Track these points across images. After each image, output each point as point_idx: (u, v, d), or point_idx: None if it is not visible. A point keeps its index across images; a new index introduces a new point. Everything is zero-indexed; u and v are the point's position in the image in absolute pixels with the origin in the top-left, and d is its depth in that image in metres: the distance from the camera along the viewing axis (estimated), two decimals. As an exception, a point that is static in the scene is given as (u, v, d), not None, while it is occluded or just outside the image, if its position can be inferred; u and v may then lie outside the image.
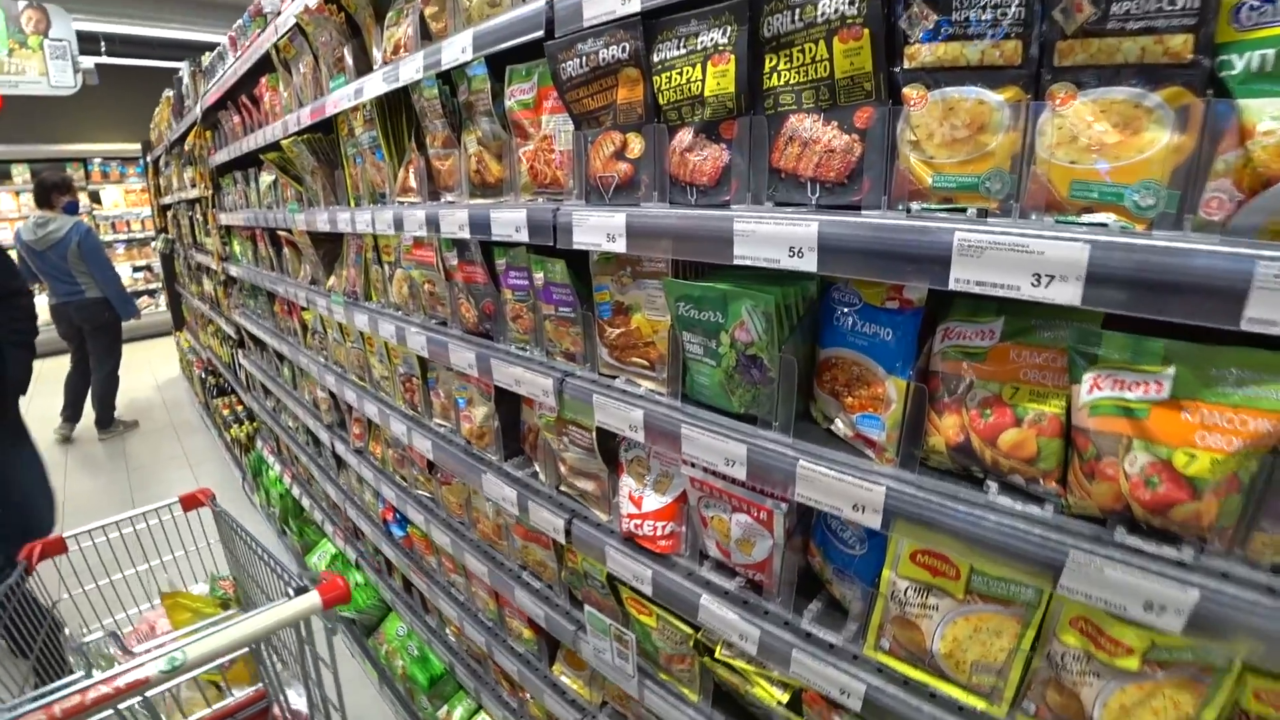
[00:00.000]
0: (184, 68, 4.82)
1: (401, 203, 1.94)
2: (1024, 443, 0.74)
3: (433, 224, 1.65)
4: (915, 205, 0.78)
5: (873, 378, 0.90)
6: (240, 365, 4.54)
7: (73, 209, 5.19)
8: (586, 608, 1.50)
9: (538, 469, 1.65)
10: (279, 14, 2.62)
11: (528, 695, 2.02)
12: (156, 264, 8.84)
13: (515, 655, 1.96)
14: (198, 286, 5.71)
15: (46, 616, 1.88)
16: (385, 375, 2.35)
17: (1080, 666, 0.74)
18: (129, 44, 8.01)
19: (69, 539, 2.04)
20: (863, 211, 0.82)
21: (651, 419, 1.13)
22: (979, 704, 0.85)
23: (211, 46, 4.58)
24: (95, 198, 8.92)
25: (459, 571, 2.19)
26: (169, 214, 6.39)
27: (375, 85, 1.84)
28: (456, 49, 1.45)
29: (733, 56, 0.88)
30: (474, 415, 1.82)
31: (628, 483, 1.33)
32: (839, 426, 0.97)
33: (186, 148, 4.77)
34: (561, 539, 1.47)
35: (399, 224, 1.83)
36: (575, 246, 1.19)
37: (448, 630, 2.45)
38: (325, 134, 2.51)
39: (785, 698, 1.08)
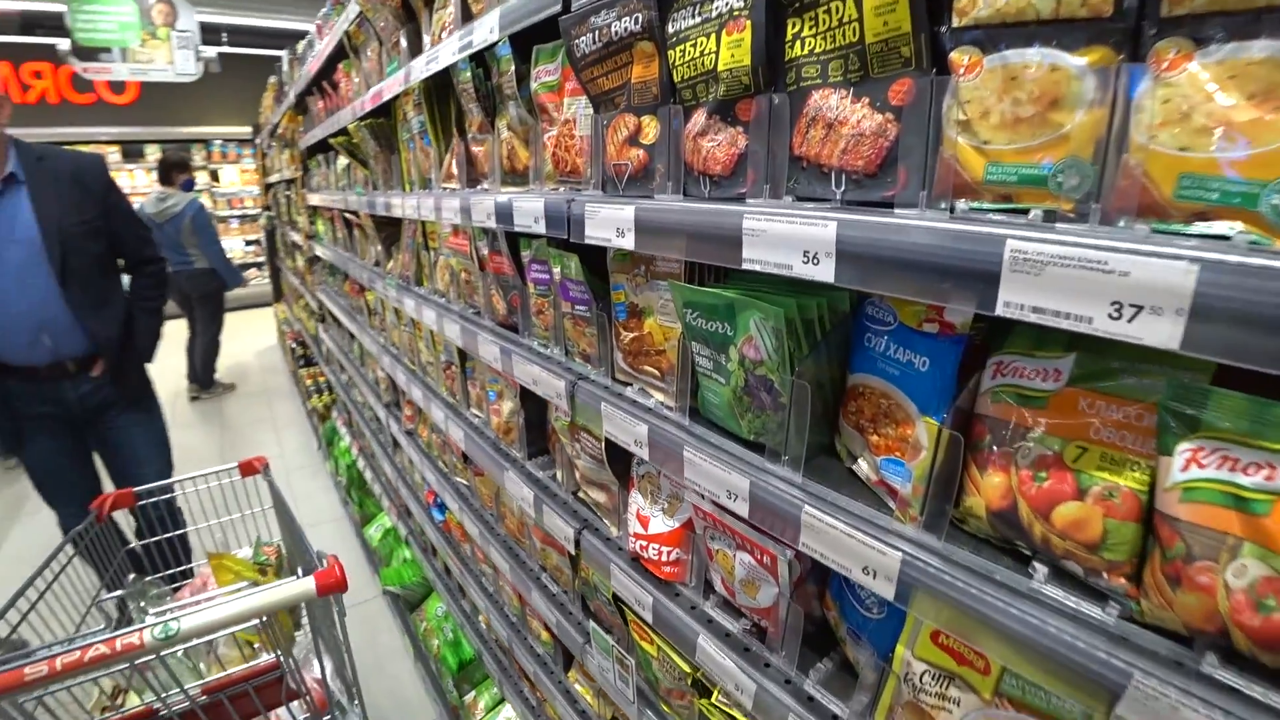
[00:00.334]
0: (284, 55, 5.10)
1: (444, 189, 1.91)
2: (1086, 521, 0.57)
3: (466, 212, 1.60)
4: (962, 204, 0.62)
5: (902, 415, 0.74)
6: (321, 339, 4.80)
7: (189, 186, 5.67)
8: (592, 623, 1.42)
9: (557, 472, 1.58)
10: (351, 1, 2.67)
11: (544, 696, 1.97)
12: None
13: (533, 655, 1.91)
14: (292, 262, 6.09)
15: (113, 561, 2.03)
16: (430, 361, 2.36)
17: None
18: (247, 34, 8.66)
19: (139, 493, 2.21)
20: (896, 210, 0.66)
21: (656, 435, 1.02)
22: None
23: (317, 36, 4.81)
24: (215, 176, 9.77)
25: (488, 563, 2.18)
26: (271, 193, 6.86)
27: (419, 69, 1.81)
28: (485, 29, 1.38)
29: (749, 23, 0.74)
30: (502, 409, 1.77)
31: (637, 499, 1.22)
32: (862, 468, 0.81)
33: (280, 130, 5.06)
34: (571, 549, 1.39)
35: (438, 210, 1.80)
36: (587, 241, 1.09)
37: (480, 618, 2.45)
38: (386, 118, 2.54)
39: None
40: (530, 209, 1.26)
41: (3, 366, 2.27)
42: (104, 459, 2.63)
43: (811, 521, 0.76)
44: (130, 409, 2.59)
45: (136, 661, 1.22)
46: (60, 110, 8.65)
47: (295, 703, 1.55)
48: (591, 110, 1.11)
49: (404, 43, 2.10)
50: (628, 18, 0.91)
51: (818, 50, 0.70)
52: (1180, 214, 0.51)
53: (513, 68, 1.36)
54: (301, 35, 4.54)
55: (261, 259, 10.07)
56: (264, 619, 1.35)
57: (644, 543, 1.17)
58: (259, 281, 9.59)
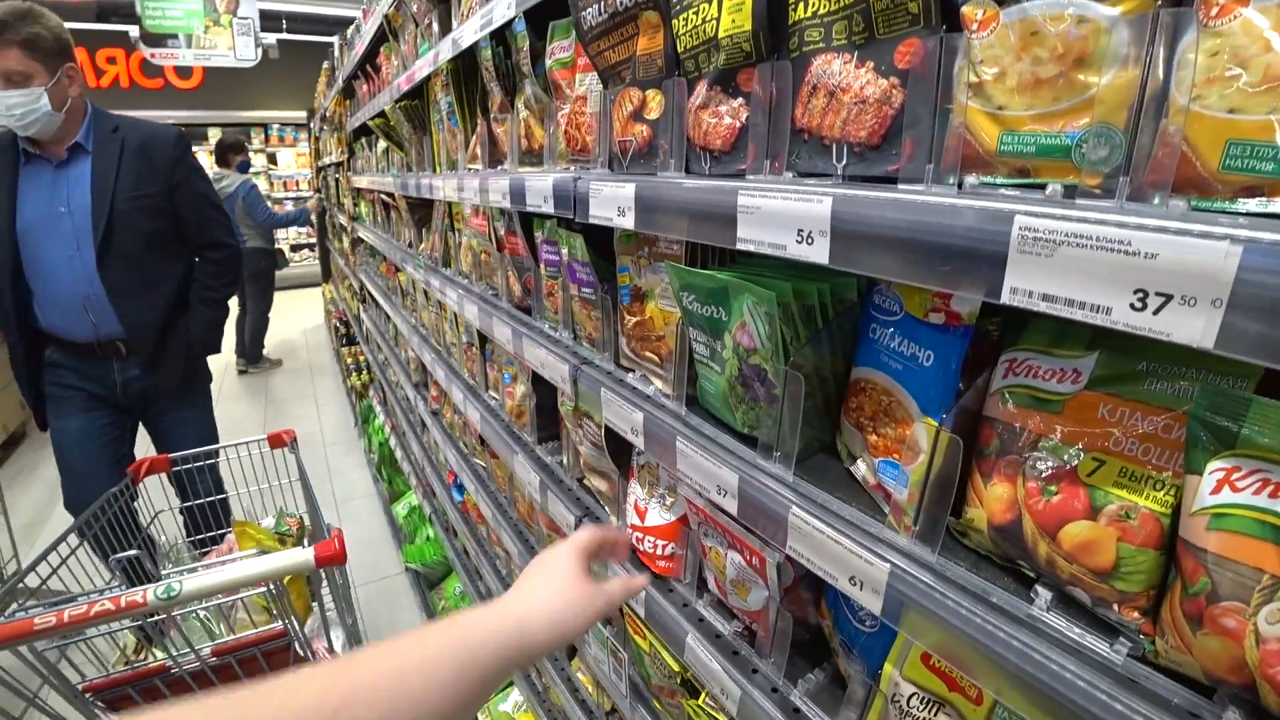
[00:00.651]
0: (335, 41, 5.22)
1: (468, 170, 1.90)
2: (1098, 545, 0.49)
3: (484, 192, 1.58)
4: (972, 179, 0.55)
5: (903, 414, 0.67)
6: (361, 319, 4.92)
7: (245, 168, 5.89)
8: (591, 615, 1.39)
9: (564, 457, 1.55)
10: (390, -17, 2.69)
11: (548, 683, 1.97)
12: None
13: (540, 641, 1.90)
14: (339, 243, 6.27)
15: (143, 529, 2.11)
16: (454, 342, 2.37)
17: None
18: (304, 21, 8.93)
19: (174, 458, 2.29)
20: (899, 186, 0.59)
21: (651, 425, 0.98)
22: None
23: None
24: (272, 159, 10.15)
25: (500, 547, 2.18)
26: (321, 176, 7.07)
27: (447, 49, 1.80)
28: (504, 6, 1.35)
29: (751, -19, 0.68)
30: (515, 392, 1.75)
31: (636, 490, 1.19)
32: (860, 469, 0.75)
33: (329, 114, 5.19)
34: (571, 538, 1.37)
35: (461, 191, 1.79)
36: (591, 220, 1.05)
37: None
38: (420, 100, 2.55)
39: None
40: (540, 188, 1.23)
41: (53, 337, 2.24)
42: (154, 444, 2.56)
43: (798, 524, 0.71)
44: (177, 403, 2.47)
45: (147, 620, 1.26)
46: (131, 94, 9.12)
47: (303, 670, 1.58)
48: (601, 86, 1.07)
49: (435, 24, 2.09)
50: (632, -17, 0.86)
51: (821, 11, 0.63)
52: (1227, 189, 0.43)
53: (528, 44, 1.32)
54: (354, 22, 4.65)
55: (313, 240, 10.43)
56: (272, 587, 1.38)
57: (640, 534, 1.13)
58: (310, 262, 9.93)
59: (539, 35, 1.30)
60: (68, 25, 2.14)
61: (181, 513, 2.29)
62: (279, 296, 6.48)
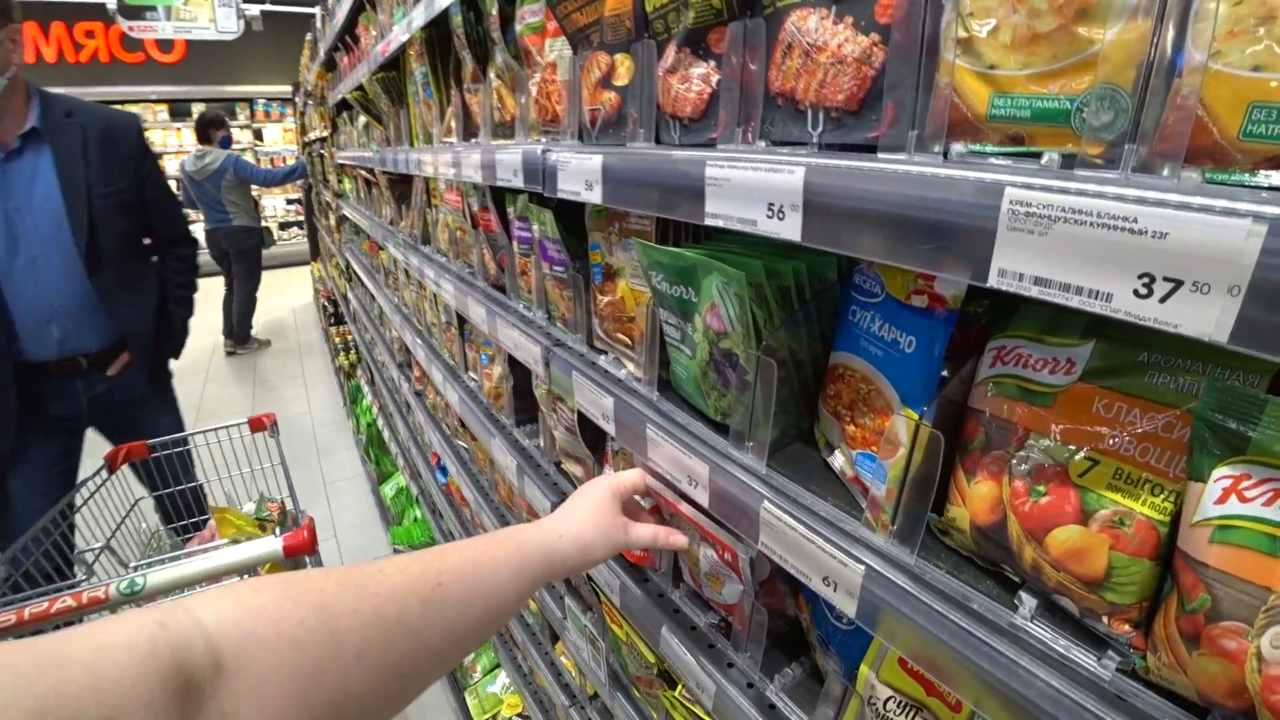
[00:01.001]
0: (317, 12, 5.04)
1: (444, 143, 1.82)
2: (1088, 552, 0.45)
3: (456, 166, 1.51)
4: (959, 147, 0.49)
5: (882, 403, 0.63)
6: (349, 297, 4.83)
7: (226, 143, 5.74)
8: (568, 601, 1.36)
9: (541, 440, 1.51)
10: (365, -55, 2.56)
11: (533, 666, 1.96)
12: (306, 198, 9.73)
13: (523, 625, 1.89)
14: (325, 221, 6.15)
15: (126, 511, 2.06)
16: (434, 322, 2.31)
17: None
18: (288, -10, 8.62)
19: (153, 445, 2.24)
20: (879, 154, 0.54)
21: (621, 410, 0.93)
22: None
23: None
24: (258, 135, 9.90)
25: (483, 530, 2.15)
26: (306, 151, 6.90)
27: (420, 16, 1.71)
28: (472, -38, 1.26)
29: (721, -76, 0.61)
30: (493, 374, 1.70)
31: (611, 478, 1.14)
32: (837, 461, 0.71)
33: (311, 88, 5.04)
34: (548, 525, 1.33)
35: (436, 166, 1.71)
36: (560, 195, 0.99)
37: (478, 583, 2.45)
38: (397, 72, 2.45)
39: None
40: (510, 162, 1.16)
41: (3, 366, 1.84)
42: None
43: (769, 519, 0.67)
44: (153, 411, 2.27)
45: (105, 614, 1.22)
46: (111, 69, 8.85)
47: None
48: (570, 52, 0.99)
49: (409, -13, 1.99)
50: (597, -67, 0.78)
51: (797, -43, 0.57)
52: (1247, 159, 0.38)
53: (497, 8, 1.24)
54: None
55: (301, 218, 10.25)
56: (244, 577, 1.35)
57: (615, 525, 1.09)
58: (299, 240, 9.77)
59: (509, -1, 1.23)
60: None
61: (160, 501, 2.22)
62: (267, 275, 6.37)
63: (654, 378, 0.91)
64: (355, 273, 4.48)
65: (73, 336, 1.95)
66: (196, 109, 9.40)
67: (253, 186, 5.94)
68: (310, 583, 0.52)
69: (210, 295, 6.46)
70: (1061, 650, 0.48)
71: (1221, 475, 0.38)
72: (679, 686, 1.02)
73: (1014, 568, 0.52)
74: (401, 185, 2.77)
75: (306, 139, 7.08)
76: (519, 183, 1.14)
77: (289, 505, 2.26)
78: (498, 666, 2.37)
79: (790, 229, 0.57)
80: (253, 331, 6.21)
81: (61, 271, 1.87)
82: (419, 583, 0.57)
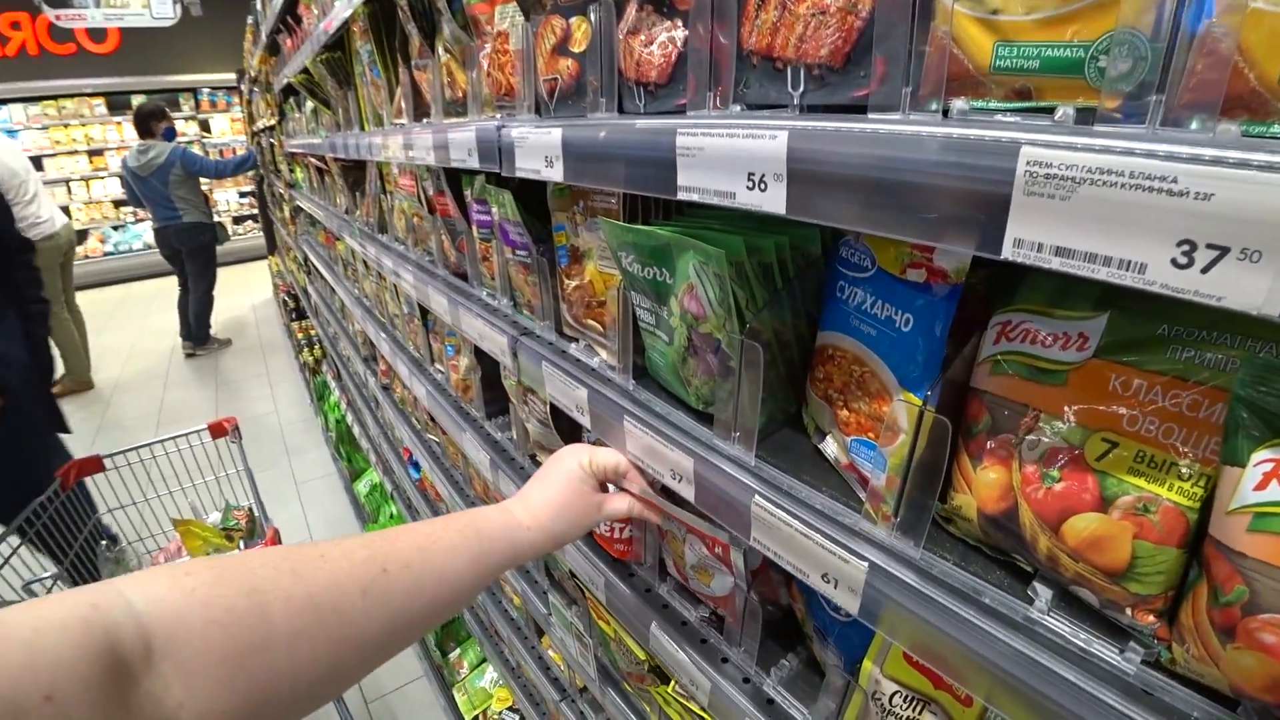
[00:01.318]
0: (256, -10, 4.75)
1: (394, 125, 1.71)
2: (1110, 541, 0.42)
3: (408, 148, 1.42)
4: (960, 103, 0.44)
5: (877, 386, 0.58)
6: (309, 291, 4.65)
7: (170, 135, 5.42)
8: (551, 597, 1.32)
9: (514, 433, 1.45)
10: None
11: (520, 660, 1.92)
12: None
13: (508, 620, 1.85)
14: (280, 213, 5.89)
15: (84, 529, 1.95)
16: (397, 314, 2.21)
17: None
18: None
19: (106, 459, 2.11)
20: (870, 115, 0.48)
21: (595, 402, 0.87)
22: None
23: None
24: (205, 126, 9.41)
25: (462, 526, 2.09)
26: (255, 141, 6.59)
27: (361, -15, 1.59)
28: (412, -77, 1.16)
29: None
30: (460, 365, 1.63)
31: (590, 471, 1.09)
32: (830, 448, 0.67)
33: (255, 74, 4.78)
34: (527, 521, 1.28)
35: (385, 149, 1.61)
36: (518, 173, 0.92)
37: (460, 579, 2.39)
38: (342, 52, 2.31)
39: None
40: (463, 140, 1.08)
41: None
42: None
43: (761, 514, 0.62)
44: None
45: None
46: (41, 63, 8.29)
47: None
48: (522, 18, 0.91)
49: (348, -43, 1.85)
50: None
51: (768, -109, 0.51)
52: (1284, 106, 0.34)
53: (441, -28, 1.15)
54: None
55: (255, 211, 9.84)
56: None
57: (596, 519, 1.05)
58: (254, 234, 9.38)
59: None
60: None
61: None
62: (224, 272, 6.11)
63: (629, 365, 0.86)
64: (314, 265, 4.31)
65: None
66: (137, 101, 8.92)
67: (202, 180, 5.63)
68: (245, 567, 0.51)
69: (167, 295, 6.19)
70: (1081, 643, 0.45)
71: (1262, 459, 0.34)
72: (672, 682, 0.99)
73: (1027, 557, 0.48)
74: (355, 172, 2.64)
75: (255, 128, 6.74)
76: (474, 163, 1.06)
77: (257, 512, 2.17)
78: (485, 661, 2.33)
79: (774, 201, 0.51)
80: (212, 331, 5.96)
81: None
82: (362, 570, 0.55)
